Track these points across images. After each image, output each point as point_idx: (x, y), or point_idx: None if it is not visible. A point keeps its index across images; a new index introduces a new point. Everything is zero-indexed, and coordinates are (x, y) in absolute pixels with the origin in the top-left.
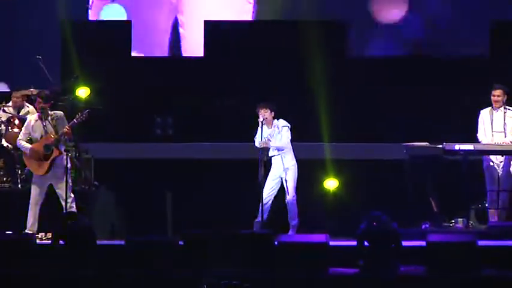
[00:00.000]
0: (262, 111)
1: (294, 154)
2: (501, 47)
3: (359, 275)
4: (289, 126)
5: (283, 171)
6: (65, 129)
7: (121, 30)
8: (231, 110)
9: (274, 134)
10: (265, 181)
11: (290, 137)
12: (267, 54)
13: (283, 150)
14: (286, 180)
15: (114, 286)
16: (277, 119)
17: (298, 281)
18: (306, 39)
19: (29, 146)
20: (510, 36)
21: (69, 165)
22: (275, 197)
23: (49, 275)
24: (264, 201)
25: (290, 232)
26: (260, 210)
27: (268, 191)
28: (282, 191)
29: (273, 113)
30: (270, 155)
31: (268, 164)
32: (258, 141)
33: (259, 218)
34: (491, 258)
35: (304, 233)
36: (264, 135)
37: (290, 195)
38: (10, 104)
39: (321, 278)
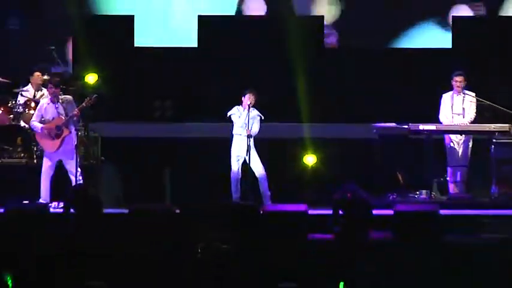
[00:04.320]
0: (252, 96)
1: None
2: (461, 41)
3: (335, 240)
4: (262, 117)
5: (245, 151)
6: (75, 112)
7: (126, 23)
8: (221, 94)
9: (251, 120)
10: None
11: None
12: (253, 44)
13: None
14: (252, 159)
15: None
16: (253, 108)
17: (281, 245)
18: (288, 31)
19: (40, 125)
20: (469, 31)
21: (77, 143)
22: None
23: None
24: (236, 182)
25: (266, 202)
26: (233, 188)
27: (238, 172)
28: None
29: (255, 101)
30: (235, 132)
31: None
32: (242, 121)
33: (235, 196)
34: (452, 225)
35: (285, 203)
36: (245, 116)
37: (263, 170)
38: (27, 88)
39: (300, 243)
